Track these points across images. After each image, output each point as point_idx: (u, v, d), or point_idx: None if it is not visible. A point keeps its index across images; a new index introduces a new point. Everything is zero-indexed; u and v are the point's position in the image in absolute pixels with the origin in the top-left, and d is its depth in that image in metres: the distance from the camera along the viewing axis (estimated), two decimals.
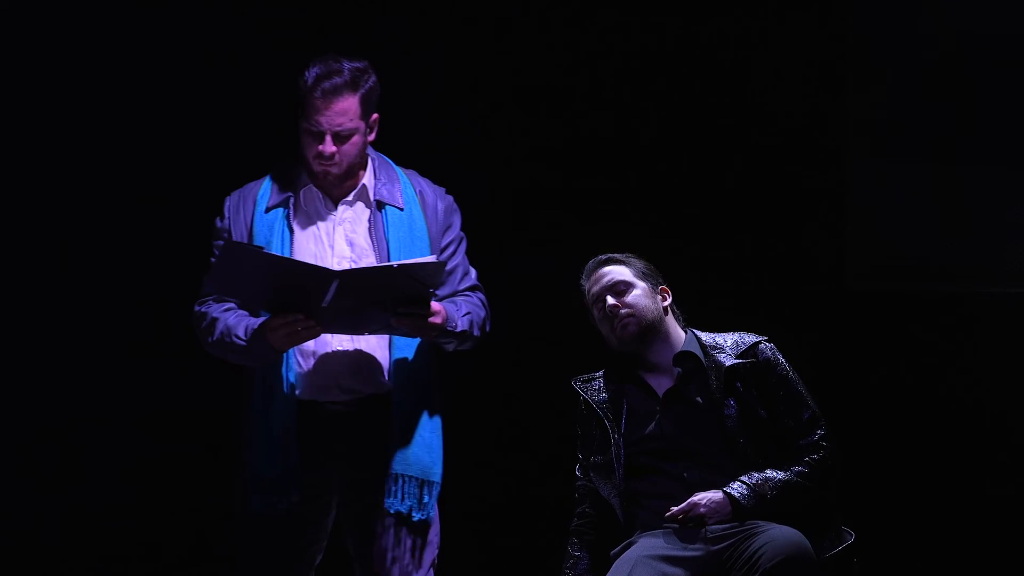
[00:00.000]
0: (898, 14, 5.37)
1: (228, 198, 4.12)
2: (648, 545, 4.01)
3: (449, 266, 4.12)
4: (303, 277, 3.84)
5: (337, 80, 3.96)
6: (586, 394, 4.26)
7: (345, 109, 3.97)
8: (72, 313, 5.23)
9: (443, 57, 5.38)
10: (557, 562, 4.23)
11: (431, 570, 4.09)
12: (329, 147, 3.98)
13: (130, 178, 5.25)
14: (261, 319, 3.96)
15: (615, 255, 4.31)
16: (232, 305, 4.05)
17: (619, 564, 4.00)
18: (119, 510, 5.22)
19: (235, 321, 4.00)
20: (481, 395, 5.20)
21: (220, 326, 4.00)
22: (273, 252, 3.96)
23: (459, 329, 4.05)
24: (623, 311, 4.21)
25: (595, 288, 4.28)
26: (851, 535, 4.09)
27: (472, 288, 4.19)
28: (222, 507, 4.23)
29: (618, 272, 4.27)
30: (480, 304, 4.17)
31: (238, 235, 4.04)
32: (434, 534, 4.10)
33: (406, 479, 4.01)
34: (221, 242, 4.07)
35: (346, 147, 4.01)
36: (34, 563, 5.21)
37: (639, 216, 5.38)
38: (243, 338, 3.96)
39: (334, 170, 4.03)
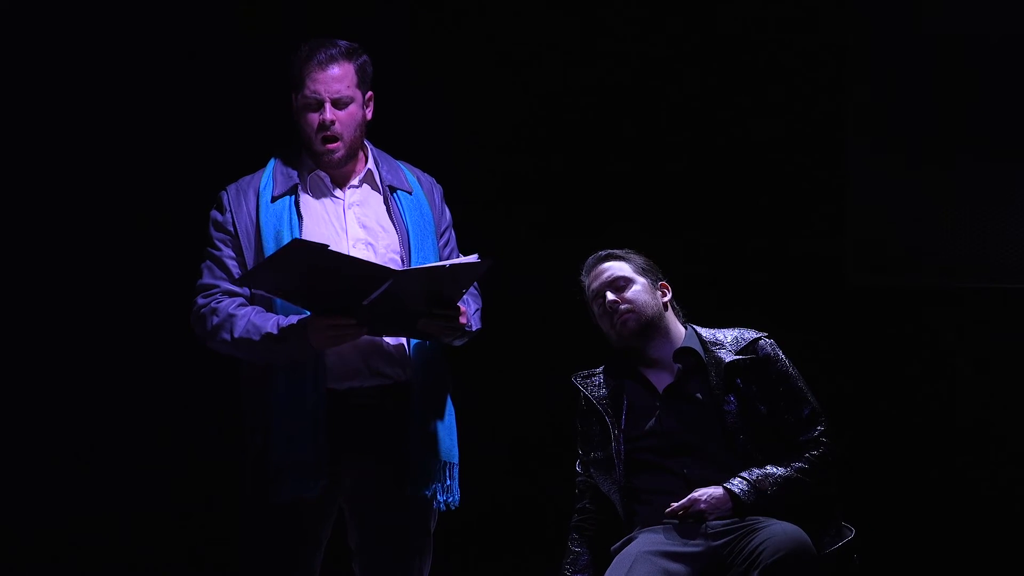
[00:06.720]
0: (898, 14, 5.37)
1: (224, 192, 4.06)
2: (648, 541, 4.01)
3: (446, 253, 4.11)
4: (355, 275, 3.76)
5: (332, 50, 4.02)
6: (586, 390, 4.25)
7: (341, 76, 4.00)
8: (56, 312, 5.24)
9: (439, 48, 5.39)
10: (557, 558, 4.23)
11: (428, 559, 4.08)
12: (329, 114, 3.98)
13: (112, 178, 5.25)
14: (293, 317, 3.88)
15: (615, 251, 4.30)
16: (243, 300, 3.96)
17: (619, 560, 4.00)
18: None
19: (260, 319, 3.90)
20: (481, 391, 5.18)
21: (241, 323, 3.90)
22: (301, 244, 3.86)
23: (475, 328, 4.03)
24: (623, 307, 4.21)
25: (595, 284, 4.27)
26: (851, 531, 4.09)
27: None
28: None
29: (618, 268, 4.27)
30: (479, 295, 4.14)
31: (243, 227, 4.00)
32: (432, 529, 4.09)
33: (429, 461, 3.96)
34: (223, 235, 4.01)
35: (345, 116, 4.00)
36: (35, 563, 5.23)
37: (639, 212, 5.38)
38: (277, 336, 3.87)
39: (338, 151, 4.02)
